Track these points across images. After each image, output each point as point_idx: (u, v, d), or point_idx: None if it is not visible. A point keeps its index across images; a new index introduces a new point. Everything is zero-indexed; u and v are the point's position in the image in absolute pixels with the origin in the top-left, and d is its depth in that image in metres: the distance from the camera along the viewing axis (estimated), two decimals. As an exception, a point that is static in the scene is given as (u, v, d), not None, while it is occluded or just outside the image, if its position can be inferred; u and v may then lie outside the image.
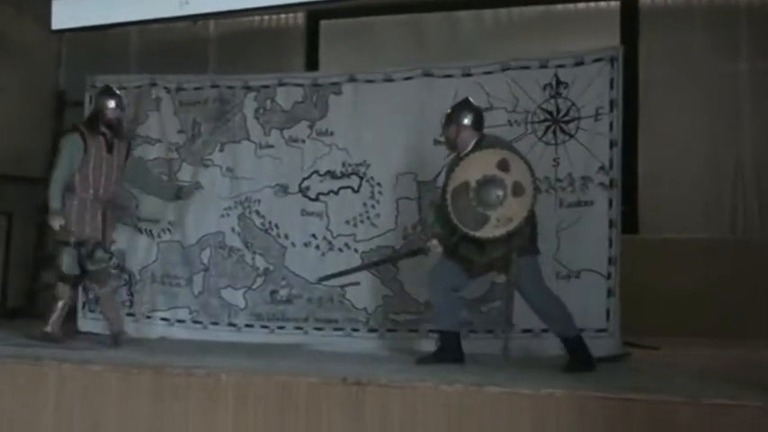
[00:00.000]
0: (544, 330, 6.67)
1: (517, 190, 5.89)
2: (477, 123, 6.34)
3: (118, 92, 7.39)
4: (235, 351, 6.84)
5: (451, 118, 6.36)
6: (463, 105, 6.44)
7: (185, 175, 7.94)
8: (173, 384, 5.59)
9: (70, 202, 7.11)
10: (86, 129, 7.20)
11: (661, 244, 8.20)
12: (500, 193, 5.91)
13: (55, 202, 7.07)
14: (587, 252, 6.83)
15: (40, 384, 5.85)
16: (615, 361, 6.46)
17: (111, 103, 7.21)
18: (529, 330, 6.87)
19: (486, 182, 5.94)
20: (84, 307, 8.11)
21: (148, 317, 7.90)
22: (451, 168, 6.23)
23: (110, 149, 7.19)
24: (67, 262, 7.13)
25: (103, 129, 7.17)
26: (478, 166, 6.01)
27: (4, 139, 9.57)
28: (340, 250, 7.52)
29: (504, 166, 5.95)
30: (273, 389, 5.38)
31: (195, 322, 7.78)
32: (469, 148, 6.25)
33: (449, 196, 6.06)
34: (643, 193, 8.44)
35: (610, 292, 6.78)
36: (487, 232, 5.94)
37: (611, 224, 6.82)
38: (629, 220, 7.81)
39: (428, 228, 6.88)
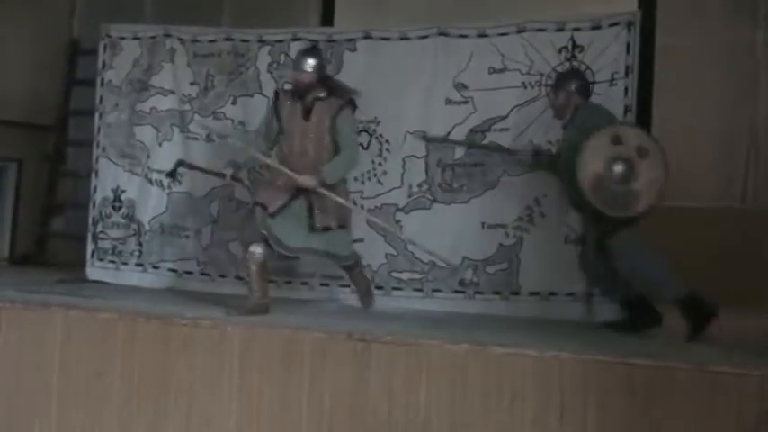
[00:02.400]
0: (552, 294, 6.72)
1: (642, 153, 5.89)
2: (584, 90, 6.42)
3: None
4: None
5: (559, 84, 6.45)
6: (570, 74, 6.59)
7: (197, 127, 7.93)
8: (179, 335, 5.62)
9: None
10: None
11: (671, 211, 8.16)
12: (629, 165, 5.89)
13: None
14: (597, 217, 6.83)
15: (47, 330, 5.89)
16: (620, 326, 6.47)
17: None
18: (536, 293, 6.91)
19: (613, 162, 5.89)
20: (92, 255, 8.16)
21: (156, 267, 7.93)
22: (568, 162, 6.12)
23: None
24: None
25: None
26: (597, 153, 5.91)
27: (16, 86, 9.58)
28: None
29: (617, 140, 5.92)
30: (278, 343, 5.40)
31: (203, 274, 7.81)
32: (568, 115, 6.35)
33: (589, 195, 5.93)
34: (655, 159, 8.40)
35: (618, 258, 6.79)
36: (645, 204, 5.98)
37: (622, 189, 6.82)
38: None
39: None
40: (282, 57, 7.78)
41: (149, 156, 8.02)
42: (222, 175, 6.85)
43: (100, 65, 8.32)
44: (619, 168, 5.86)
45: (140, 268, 7.97)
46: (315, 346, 5.31)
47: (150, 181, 8.03)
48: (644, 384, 4.71)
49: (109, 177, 8.16)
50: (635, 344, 5.46)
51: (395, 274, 7.31)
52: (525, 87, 7.10)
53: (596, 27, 7.02)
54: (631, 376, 4.74)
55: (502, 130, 7.09)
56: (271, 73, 7.82)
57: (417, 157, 7.31)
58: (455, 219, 7.12)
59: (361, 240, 7.33)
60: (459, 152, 7.19)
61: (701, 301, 5.92)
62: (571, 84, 6.38)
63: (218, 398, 5.48)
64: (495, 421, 4.92)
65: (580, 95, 6.35)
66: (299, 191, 6.57)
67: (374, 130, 7.47)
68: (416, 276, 7.23)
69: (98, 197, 8.18)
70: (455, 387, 5.01)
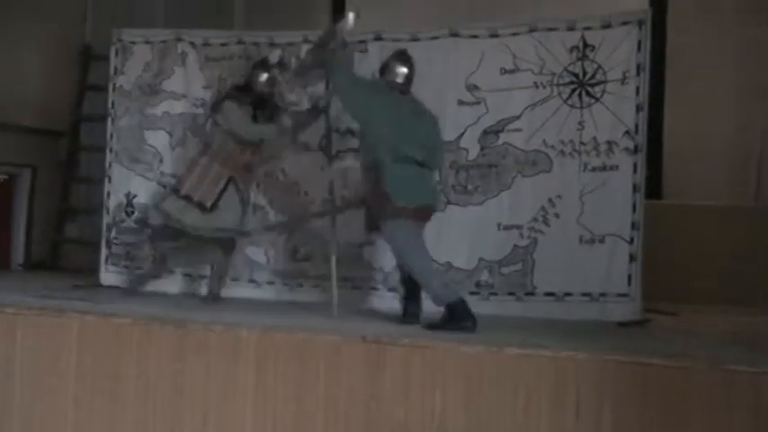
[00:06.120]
0: (567, 294, 6.72)
1: None
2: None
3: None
4: (255, 307, 6.88)
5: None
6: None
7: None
8: (194, 339, 5.63)
9: None
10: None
11: (684, 210, 8.17)
12: None
13: None
14: (611, 217, 6.83)
15: (63, 336, 5.90)
16: (635, 326, 6.47)
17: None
18: (551, 294, 6.91)
19: None
20: (106, 261, 8.17)
21: (171, 272, 7.92)
22: None
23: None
24: None
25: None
26: None
27: (29, 92, 9.61)
28: (358, 209, 7.52)
29: None
30: (293, 346, 5.40)
31: (217, 278, 7.81)
32: None
33: None
34: (668, 158, 8.40)
35: (632, 258, 6.78)
36: None
37: (635, 189, 6.83)
38: (652, 185, 7.75)
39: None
40: (293, 59, 7.77)
41: (162, 160, 8.02)
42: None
43: (112, 70, 8.32)
44: None
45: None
46: (330, 349, 5.31)
47: (163, 186, 8.00)
48: (660, 384, 4.70)
49: (121, 182, 8.15)
50: (649, 344, 5.46)
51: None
52: (537, 87, 7.10)
53: (607, 26, 7.01)
54: (647, 376, 4.73)
55: (515, 130, 7.09)
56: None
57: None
58: (470, 220, 7.12)
59: (372, 244, 7.35)
60: (473, 153, 7.19)
61: (463, 312, 5.91)
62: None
63: (233, 401, 5.48)
64: (511, 423, 4.91)
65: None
66: None
67: (387, 132, 7.46)
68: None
69: (112, 203, 8.19)
70: (470, 389, 5.00)
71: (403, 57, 6.55)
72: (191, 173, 7.18)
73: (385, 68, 6.54)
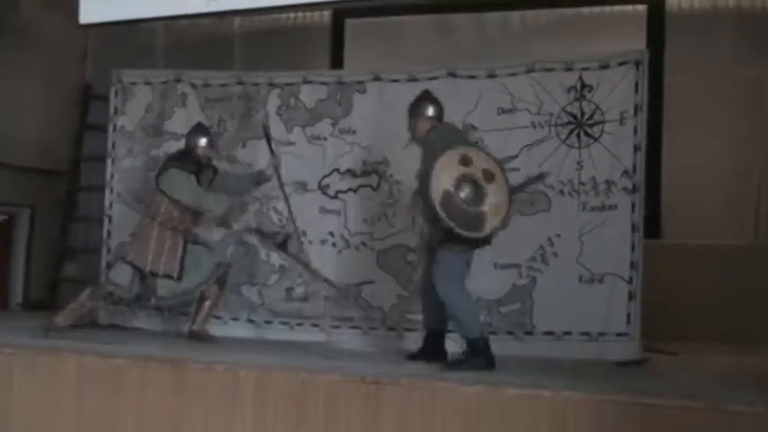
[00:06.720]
0: (566, 333, 6.71)
1: (488, 176, 5.82)
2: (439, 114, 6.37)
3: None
4: (254, 347, 6.86)
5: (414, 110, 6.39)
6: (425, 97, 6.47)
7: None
8: (192, 379, 5.62)
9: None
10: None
11: (683, 249, 8.16)
12: (477, 187, 5.82)
13: None
14: (610, 256, 6.85)
15: (61, 376, 5.89)
16: (635, 366, 6.45)
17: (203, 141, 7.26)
18: (550, 333, 6.89)
19: (462, 182, 5.82)
20: (105, 299, 8.11)
21: (171, 310, 7.91)
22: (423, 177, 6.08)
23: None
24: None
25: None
26: (447, 171, 5.86)
27: (29, 132, 9.61)
28: (357, 248, 7.54)
29: (466, 161, 5.86)
30: (292, 386, 5.39)
31: (215, 317, 7.77)
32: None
33: (439, 211, 5.83)
34: (666, 197, 8.40)
35: (631, 297, 6.79)
36: (490, 227, 5.89)
37: (633, 228, 6.84)
38: (651, 224, 7.75)
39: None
40: (292, 100, 7.81)
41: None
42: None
43: (112, 110, 8.35)
44: (467, 189, 5.80)
45: (157, 312, 7.94)
46: (329, 390, 5.30)
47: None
48: (660, 425, 4.69)
49: (126, 223, 8.09)
50: (648, 384, 5.44)
51: (408, 315, 7.28)
52: (535, 127, 7.14)
53: (604, 66, 7.06)
54: (647, 417, 4.73)
55: (513, 169, 7.09)
56: (280, 116, 7.84)
57: (428, 198, 7.31)
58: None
59: (372, 282, 7.35)
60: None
61: (483, 350, 5.92)
62: (428, 109, 6.35)
63: (232, 442, 5.47)
64: (511, 463, 4.90)
65: (436, 119, 6.34)
66: None
67: (384, 172, 7.50)
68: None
69: (113, 242, 8.18)
70: (470, 429, 4.99)
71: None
72: (146, 246, 7.14)
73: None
